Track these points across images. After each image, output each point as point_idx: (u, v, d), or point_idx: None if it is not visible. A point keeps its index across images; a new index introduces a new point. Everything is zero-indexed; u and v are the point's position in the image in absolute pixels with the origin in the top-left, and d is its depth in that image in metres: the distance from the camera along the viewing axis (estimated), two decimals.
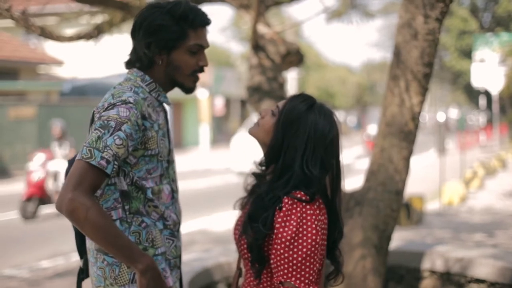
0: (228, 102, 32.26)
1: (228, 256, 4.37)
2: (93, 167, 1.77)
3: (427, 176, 13.36)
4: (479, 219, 8.49)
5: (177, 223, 2.10)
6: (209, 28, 2.09)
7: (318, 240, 1.69)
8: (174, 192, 2.11)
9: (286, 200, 1.71)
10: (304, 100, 1.82)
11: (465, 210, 9.38)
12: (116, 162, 1.81)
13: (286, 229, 1.69)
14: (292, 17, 24.78)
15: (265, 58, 4.23)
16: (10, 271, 6.26)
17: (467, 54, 24.21)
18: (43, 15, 4.21)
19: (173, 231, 2.07)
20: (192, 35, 2.01)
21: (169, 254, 2.05)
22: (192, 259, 4.40)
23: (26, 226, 8.95)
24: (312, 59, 40.24)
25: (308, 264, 1.68)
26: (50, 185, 9.63)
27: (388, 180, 3.62)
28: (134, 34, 2.04)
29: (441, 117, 11.93)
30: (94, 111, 1.93)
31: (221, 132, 30.63)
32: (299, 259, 1.67)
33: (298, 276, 1.67)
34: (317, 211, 1.72)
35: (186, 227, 7.98)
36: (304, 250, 1.67)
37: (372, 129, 22.54)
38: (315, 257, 1.68)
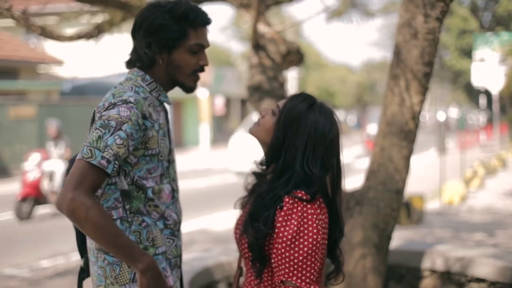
0: (228, 102, 32.28)
1: (228, 255, 4.37)
2: (94, 167, 1.77)
3: (427, 175, 13.36)
4: (479, 218, 8.49)
5: (178, 223, 2.10)
6: (210, 27, 2.09)
7: (319, 239, 1.69)
8: (174, 191, 2.11)
9: (287, 200, 1.71)
10: (304, 100, 1.82)
11: (465, 210, 9.38)
12: (116, 162, 1.81)
13: (287, 228, 1.69)
14: (292, 16, 24.79)
15: (265, 57, 4.23)
16: (10, 271, 6.27)
17: (467, 53, 24.22)
18: (44, 14, 4.21)
19: (174, 231, 2.07)
20: (193, 35, 2.01)
21: (170, 254, 2.05)
22: (192, 258, 4.40)
23: (26, 226, 8.94)
24: (312, 59, 40.23)
25: (309, 263, 1.68)
26: (45, 185, 9.50)
27: (388, 179, 3.62)
28: (134, 33, 2.04)
29: (441, 116, 11.94)
30: (94, 110, 1.93)
31: (221, 132, 30.63)
32: (300, 258, 1.67)
33: (299, 275, 1.68)
34: (318, 210, 1.72)
35: (187, 227, 7.98)
36: (305, 249, 1.67)
37: (372, 128, 22.54)
38: (316, 256, 1.69)
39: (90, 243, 2.00)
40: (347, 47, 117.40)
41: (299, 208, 1.70)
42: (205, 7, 3.06)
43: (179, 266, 2.11)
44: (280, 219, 1.71)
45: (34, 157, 9.72)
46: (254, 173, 1.91)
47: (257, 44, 4.22)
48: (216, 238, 7.55)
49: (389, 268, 4.00)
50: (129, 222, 1.95)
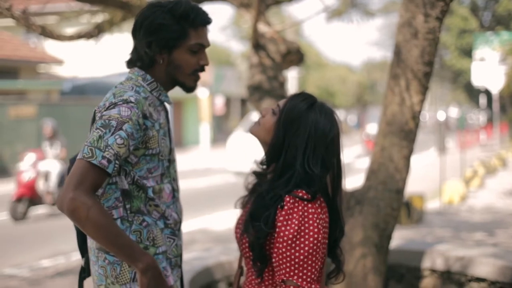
0: (228, 101, 32.27)
1: (229, 255, 4.38)
2: (94, 166, 1.77)
3: (427, 175, 13.36)
4: (479, 218, 8.49)
5: (178, 222, 2.10)
6: (210, 27, 2.09)
7: (319, 239, 1.69)
8: (175, 191, 2.12)
9: (288, 199, 1.72)
10: (304, 99, 1.82)
11: (466, 209, 9.38)
12: (117, 162, 1.81)
13: (288, 227, 1.69)
14: (292, 16, 24.81)
15: (265, 57, 4.23)
16: (10, 270, 6.27)
17: (468, 53, 24.23)
18: (44, 14, 4.21)
19: (174, 230, 2.07)
20: (193, 34, 2.01)
21: (170, 253, 2.05)
22: (192, 258, 4.40)
23: (22, 227, 8.91)
24: (312, 58, 40.23)
25: (310, 262, 1.68)
26: (41, 185, 9.41)
27: (388, 179, 3.62)
28: (135, 33, 2.04)
29: (441, 116, 11.93)
30: (95, 110, 1.93)
31: (222, 131, 30.63)
32: (301, 257, 1.67)
33: (300, 274, 1.68)
34: (319, 210, 1.72)
35: (187, 226, 7.98)
36: (306, 248, 1.67)
37: (371, 128, 22.56)
38: (317, 255, 1.69)
39: (91, 243, 2.01)
40: (347, 46, 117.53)
41: (300, 208, 1.70)
42: (205, 7, 3.05)
43: (180, 265, 2.11)
44: (281, 218, 1.71)
45: (29, 157, 9.62)
46: (255, 173, 1.92)
47: (257, 43, 4.22)
48: (216, 238, 7.55)
49: (389, 268, 4.00)
50: (129, 221, 1.95)
